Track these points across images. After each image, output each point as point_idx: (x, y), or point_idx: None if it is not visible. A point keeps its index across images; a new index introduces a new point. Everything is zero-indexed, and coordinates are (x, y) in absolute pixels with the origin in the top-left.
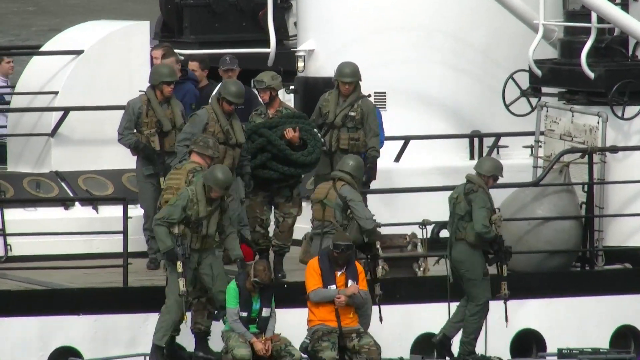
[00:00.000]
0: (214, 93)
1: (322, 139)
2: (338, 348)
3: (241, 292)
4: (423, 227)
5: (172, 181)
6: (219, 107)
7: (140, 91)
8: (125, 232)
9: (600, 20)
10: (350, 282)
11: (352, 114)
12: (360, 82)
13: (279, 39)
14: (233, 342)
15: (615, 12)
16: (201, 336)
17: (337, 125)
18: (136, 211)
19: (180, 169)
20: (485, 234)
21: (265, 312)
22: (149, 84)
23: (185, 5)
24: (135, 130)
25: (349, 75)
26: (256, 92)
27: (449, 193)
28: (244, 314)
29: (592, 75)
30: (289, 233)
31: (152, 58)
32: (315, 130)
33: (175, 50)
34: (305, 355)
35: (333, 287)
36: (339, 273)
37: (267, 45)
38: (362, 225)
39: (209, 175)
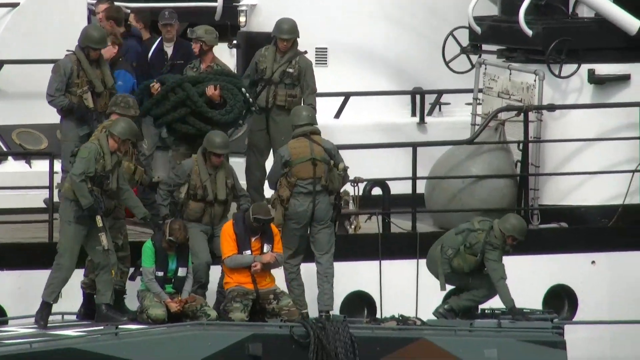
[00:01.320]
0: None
1: (253, 96)
2: (259, 310)
3: (157, 252)
4: (355, 184)
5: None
6: (203, 160)
7: (68, 51)
8: (50, 187)
9: None
10: (265, 247)
11: (290, 70)
12: (298, 39)
13: None
14: (148, 301)
15: None
16: (117, 296)
17: (275, 81)
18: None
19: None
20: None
21: (181, 272)
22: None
23: None
24: (64, 93)
25: (287, 32)
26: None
27: (387, 150)
28: (160, 274)
29: (530, 32)
30: None
31: (94, 12)
32: (241, 89)
33: (122, 4)
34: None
35: (248, 252)
36: (253, 238)
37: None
38: (345, 170)
39: (112, 125)
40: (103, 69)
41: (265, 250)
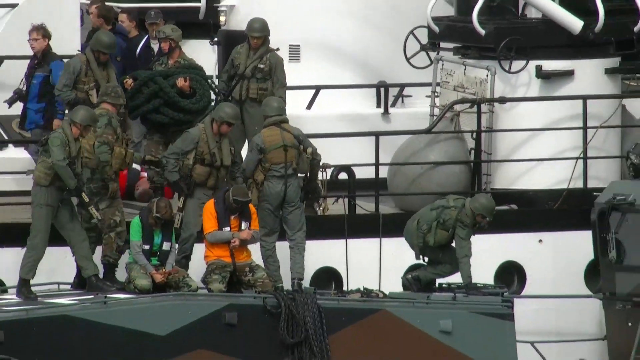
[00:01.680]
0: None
1: (229, 89)
2: (236, 282)
3: (144, 227)
4: (323, 170)
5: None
6: (211, 129)
7: (78, 51)
8: None
9: None
10: (243, 225)
11: (261, 66)
12: (269, 37)
13: None
14: (135, 273)
15: None
16: (109, 267)
17: (247, 76)
18: None
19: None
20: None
21: (165, 246)
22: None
23: None
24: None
25: (258, 30)
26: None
27: (354, 138)
28: (146, 247)
29: (482, 32)
30: None
31: (87, 12)
32: (207, 80)
33: (112, 4)
34: (202, 285)
35: (227, 229)
36: (232, 217)
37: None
38: (315, 155)
39: (73, 113)
40: (109, 70)
41: (242, 227)
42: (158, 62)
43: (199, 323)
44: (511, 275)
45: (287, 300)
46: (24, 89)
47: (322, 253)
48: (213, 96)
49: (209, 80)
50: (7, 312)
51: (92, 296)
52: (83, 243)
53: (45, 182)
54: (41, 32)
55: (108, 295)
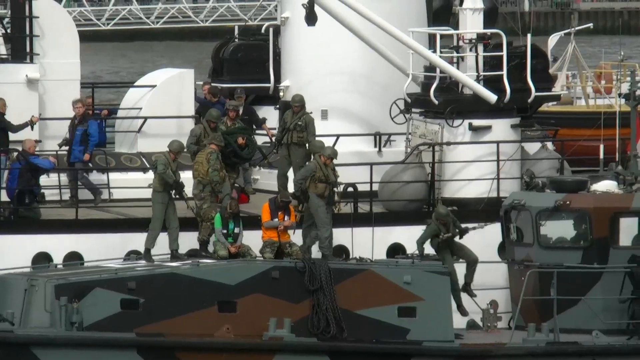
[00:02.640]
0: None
1: (280, 137)
2: (281, 253)
3: (222, 219)
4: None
5: (198, 158)
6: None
7: (199, 123)
8: None
9: (442, 71)
10: (286, 218)
11: (300, 122)
12: (305, 105)
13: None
14: (218, 247)
15: (448, 67)
16: (203, 244)
17: (291, 129)
18: None
19: (202, 153)
20: None
21: (236, 230)
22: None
23: (224, 59)
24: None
25: (297, 102)
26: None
27: (359, 167)
28: (224, 231)
29: (436, 102)
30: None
31: (197, 88)
32: (253, 137)
33: (216, 85)
34: (259, 254)
35: (276, 220)
36: (279, 212)
37: (268, 82)
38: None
39: (170, 144)
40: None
41: (285, 219)
42: (221, 122)
43: (256, 277)
44: None
45: (309, 263)
46: (68, 137)
47: (337, 236)
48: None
49: (253, 138)
50: (138, 270)
51: (189, 262)
52: (176, 229)
53: (160, 189)
54: (80, 102)
55: (200, 261)
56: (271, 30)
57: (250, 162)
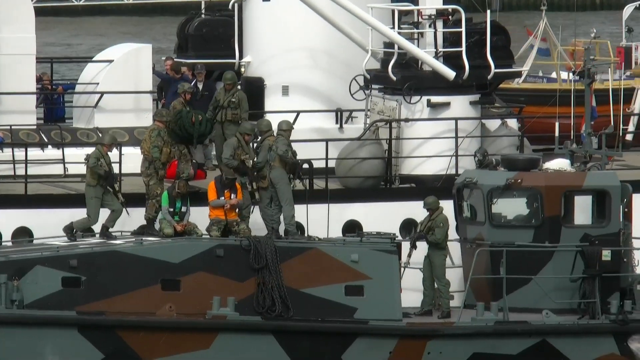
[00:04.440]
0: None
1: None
2: (228, 232)
3: (170, 197)
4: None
5: (145, 136)
6: (242, 138)
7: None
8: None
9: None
10: (232, 196)
11: (233, 99)
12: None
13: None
14: (164, 225)
15: (406, 43)
16: (149, 222)
17: (225, 106)
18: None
19: (147, 130)
20: None
21: (183, 209)
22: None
23: (189, 35)
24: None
25: (228, 79)
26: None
27: (317, 143)
28: (171, 210)
29: (394, 78)
30: None
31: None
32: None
33: (180, 60)
34: (205, 233)
35: (222, 198)
36: (225, 190)
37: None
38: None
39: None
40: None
41: (231, 197)
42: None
43: (199, 255)
44: (410, 226)
45: (255, 242)
46: None
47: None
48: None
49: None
50: (80, 248)
51: (134, 238)
52: (117, 212)
53: (93, 183)
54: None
55: (143, 239)
56: (236, 6)
57: (204, 139)
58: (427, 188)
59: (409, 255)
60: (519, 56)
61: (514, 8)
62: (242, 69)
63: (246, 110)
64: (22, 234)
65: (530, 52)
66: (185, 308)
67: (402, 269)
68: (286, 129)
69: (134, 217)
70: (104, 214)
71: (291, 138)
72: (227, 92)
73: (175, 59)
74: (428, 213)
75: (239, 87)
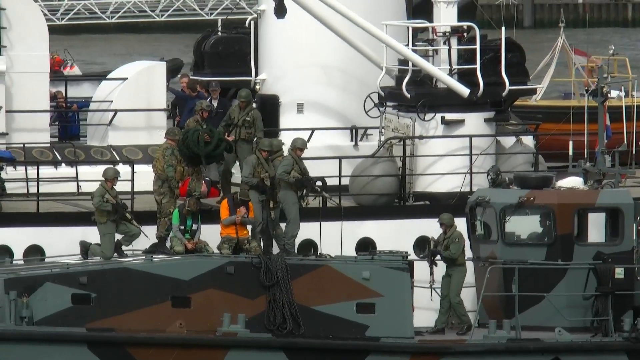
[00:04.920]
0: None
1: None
2: (239, 249)
3: (180, 215)
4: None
5: (156, 154)
6: (260, 155)
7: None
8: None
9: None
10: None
11: (248, 118)
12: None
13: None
14: (174, 242)
15: (420, 61)
16: (161, 240)
17: (239, 125)
18: None
19: (159, 149)
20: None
21: (194, 227)
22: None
23: (205, 52)
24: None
25: (243, 97)
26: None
27: (331, 160)
28: (182, 227)
29: (409, 96)
30: None
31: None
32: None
33: (196, 77)
34: (216, 251)
35: (234, 216)
36: (238, 209)
37: (250, 75)
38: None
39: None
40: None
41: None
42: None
43: (210, 272)
44: (424, 245)
45: (265, 259)
46: None
47: (305, 230)
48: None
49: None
50: (90, 265)
51: (144, 256)
52: (134, 235)
53: (103, 220)
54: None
55: (153, 256)
56: (253, 23)
57: (213, 160)
58: (441, 205)
59: (431, 274)
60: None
61: (545, 25)
62: (257, 86)
63: (261, 129)
64: (34, 252)
65: (548, 70)
66: (196, 325)
67: (417, 287)
68: (297, 147)
69: (148, 236)
70: None
71: (306, 155)
72: (241, 110)
73: (191, 77)
74: (442, 230)
75: (254, 105)
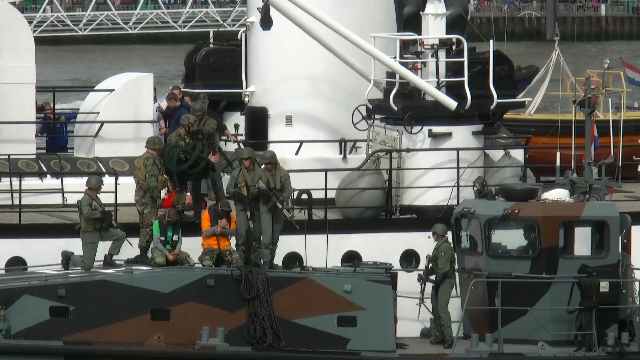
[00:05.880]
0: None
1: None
2: (220, 261)
3: (161, 226)
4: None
5: (137, 164)
6: (242, 165)
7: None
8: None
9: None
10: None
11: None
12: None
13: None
14: (155, 254)
15: (407, 73)
16: (143, 250)
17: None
18: None
19: (140, 158)
20: None
21: (175, 237)
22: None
23: (196, 64)
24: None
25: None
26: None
27: (321, 173)
28: (163, 239)
29: (396, 108)
30: None
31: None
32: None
33: (187, 90)
34: (198, 262)
35: (215, 227)
36: (219, 220)
37: (241, 87)
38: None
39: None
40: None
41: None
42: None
43: (190, 285)
44: (411, 257)
45: (246, 272)
46: None
47: (288, 243)
48: None
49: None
50: (69, 277)
51: (124, 268)
52: (120, 239)
53: (89, 229)
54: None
55: (133, 268)
56: (244, 35)
57: (191, 177)
58: (428, 219)
59: (422, 291)
60: None
61: (568, 38)
62: (246, 99)
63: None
64: (16, 263)
65: (542, 84)
66: (175, 338)
67: (401, 298)
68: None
69: (132, 245)
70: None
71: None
72: (199, 124)
73: (182, 89)
74: (434, 239)
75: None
